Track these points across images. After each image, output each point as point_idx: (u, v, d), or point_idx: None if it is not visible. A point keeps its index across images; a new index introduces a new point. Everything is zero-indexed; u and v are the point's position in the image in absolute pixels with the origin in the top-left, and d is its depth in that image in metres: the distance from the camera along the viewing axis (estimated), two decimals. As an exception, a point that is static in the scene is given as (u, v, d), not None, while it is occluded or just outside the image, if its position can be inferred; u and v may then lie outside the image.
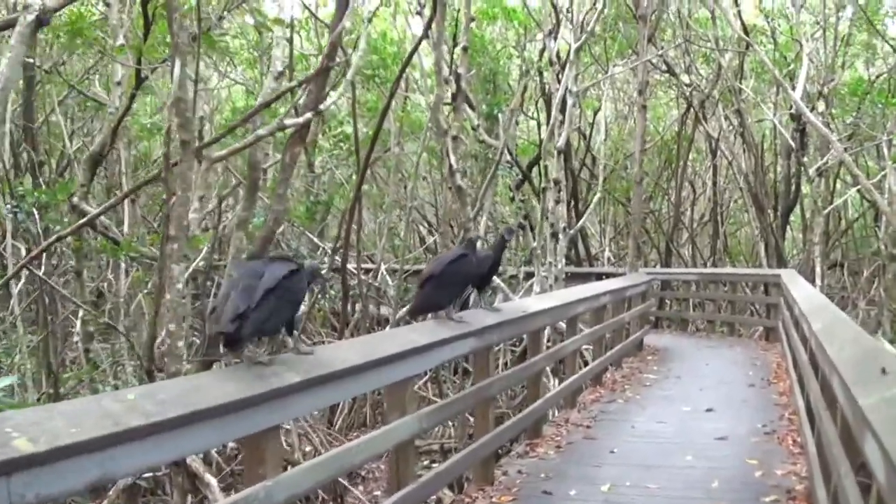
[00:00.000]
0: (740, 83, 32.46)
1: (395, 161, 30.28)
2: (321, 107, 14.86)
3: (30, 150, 24.06)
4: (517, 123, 34.07)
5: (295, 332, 6.95)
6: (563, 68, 24.17)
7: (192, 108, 13.04)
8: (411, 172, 30.44)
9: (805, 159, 30.88)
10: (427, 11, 20.49)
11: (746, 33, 30.35)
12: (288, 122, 14.36)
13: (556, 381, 18.78)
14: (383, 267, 27.08)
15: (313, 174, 28.57)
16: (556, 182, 23.15)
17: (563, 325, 15.75)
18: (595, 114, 34.24)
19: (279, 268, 6.36)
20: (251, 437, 5.82)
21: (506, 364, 22.47)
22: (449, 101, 21.31)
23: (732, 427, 12.98)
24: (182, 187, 12.39)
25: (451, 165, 18.38)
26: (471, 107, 29.06)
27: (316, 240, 27.53)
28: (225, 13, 20.01)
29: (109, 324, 18.68)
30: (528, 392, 13.64)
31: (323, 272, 7.88)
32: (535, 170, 30.90)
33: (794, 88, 24.39)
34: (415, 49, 21.00)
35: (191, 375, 7.20)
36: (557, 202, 23.25)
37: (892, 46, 27.97)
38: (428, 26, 19.31)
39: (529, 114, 36.10)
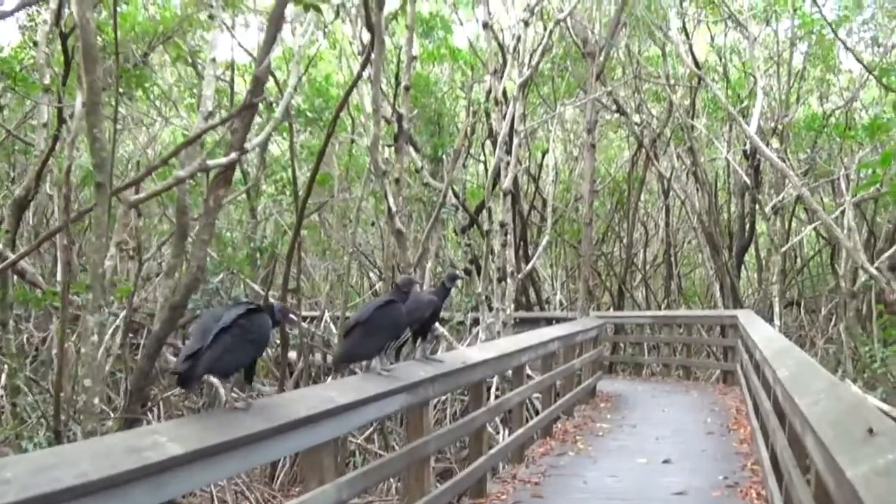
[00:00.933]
0: (692, 120, 31.83)
1: (342, 206, 29.53)
2: (247, 146, 13.98)
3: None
4: (464, 166, 33.29)
5: (254, 381, 6.94)
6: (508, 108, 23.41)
7: (106, 148, 12.12)
8: (353, 217, 29.55)
9: (760, 197, 30.35)
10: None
11: (698, 67, 29.71)
12: (210, 163, 13.54)
13: (507, 432, 17.95)
14: (327, 314, 26.18)
15: (255, 220, 27.78)
16: (503, 225, 22.41)
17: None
18: (543, 155, 33.41)
19: (237, 309, 6.31)
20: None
21: (454, 415, 21.47)
22: (391, 142, 20.52)
23: (691, 480, 12.12)
24: (97, 232, 11.57)
25: (389, 208, 17.54)
26: (415, 148, 28.36)
27: (258, 288, 26.58)
28: (150, 51, 19.12)
29: (30, 377, 17.68)
30: (469, 449, 12.70)
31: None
32: (483, 213, 30.11)
33: (748, 124, 23.66)
34: (351, 88, 20.19)
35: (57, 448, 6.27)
36: (504, 245, 22.49)
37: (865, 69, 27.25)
38: (365, 63, 18.52)
39: (478, 156, 35.26)
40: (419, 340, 9.94)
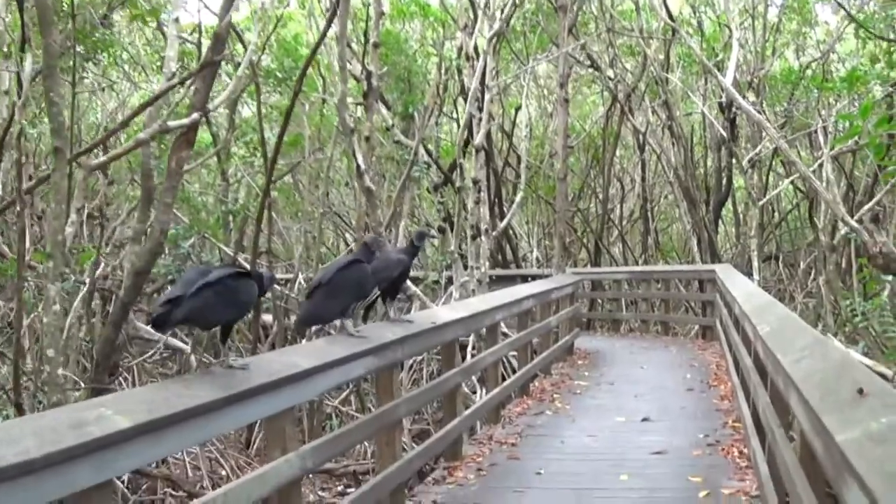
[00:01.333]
0: (667, 73, 31.45)
1: (315, 166, 29.14)
2: (209, 106, 13.61)
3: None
4: (437, 124, 32.96)
5: (228, 343, 6.86)
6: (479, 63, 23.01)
7: (63, 113, 11.74)
8: (324, 177, 29.18)
9: (736, 150, 30.17)
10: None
11: (672, 20, 29.31)
12: (171, 123, 13.18)
13: (484, 392, 17.69)
14: (301, 276, 25.79)
15: (226, 183, 27.40)
16: (476, 182, 22.04)
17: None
18: (516, 111, 32.98)
19: (226, 270, 6.41)
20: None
21: (431, 375, 21.09)
22: (361, 100, 20.13)
23: (671, 439, 11.87)
24: (56, 199, 11.24)
25: (358, 166, 17.14)
26: (386, 106, 28.00)
27: (230, 251, 26.21)
28: (109, 13, 18.64)
29: (-1, 350, 17.32)
30: (444, 411, 12.40)
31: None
32: (457, 171, 29.76)
33: (723, 77, 23.33)
34: (317, 45, 19.81)
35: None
36: (477, 203, 22.13)
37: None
38: (330, 20, 18.14)
39: (451, 114, 34.78)
40: (388, 300, 9.64)
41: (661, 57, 32.27)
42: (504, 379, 15.55)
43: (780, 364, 6.26)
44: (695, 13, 32.70)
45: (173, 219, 25.51)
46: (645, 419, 13.20)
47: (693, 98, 32.06)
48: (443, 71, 29.14)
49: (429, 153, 28.83)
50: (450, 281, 23.52)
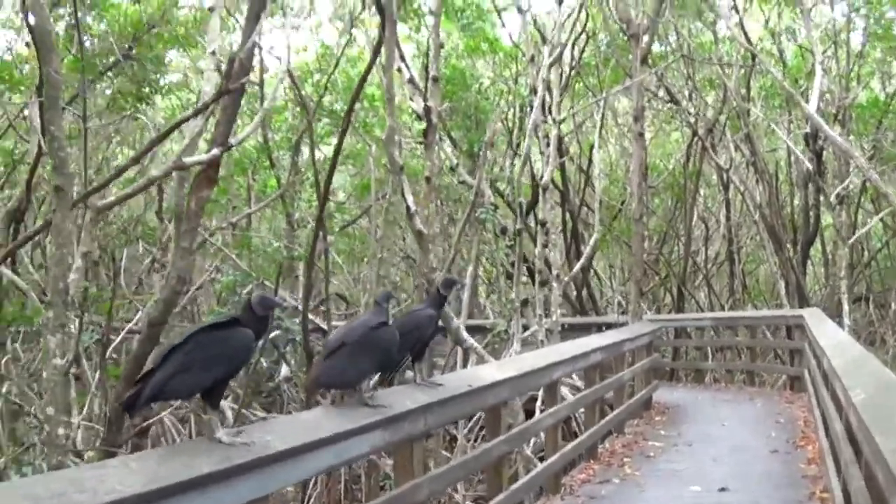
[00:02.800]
0: (748, 104, 29.84)
1: (390, 209, 28.09)
2: (231, 141, 12.34)
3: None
4: (512, 164, 31.59)
5: (220, 410, 5.83)
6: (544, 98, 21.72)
7: (65, 148, 10.54)
8: (382, 221, 28.02)
9: (823, 185, 28.59)
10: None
11: (751, 44, 27.80)
12: (188, 160, 11.93)
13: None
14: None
15: (290, 228, 26.41)
16: (543, 224, 20.70)
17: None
18: (591, 149, 31.47)
19: (200, 324, 5.86)
20: None
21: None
22: (421, 138, 18.91)
23: (753, 515, 10.35)
24: (58, 242, 10.03)
25: (408, 207, 15.79)
26: (453, 144, 26.74)
27: (289, 299, 25.06)
28: (133, 44, 17.55)
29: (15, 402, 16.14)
30: (488, 485, 10.86)
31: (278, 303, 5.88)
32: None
33: (807, 104, 21.82)
34: (364, 76, 18.57)
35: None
36: (546, 246, 20.74)
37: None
38: (377, 50, 16.84)
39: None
40: (415, 362, 8.37)
41: (742, 90, 30.67)
42: (574, 436, 14.11)
43: (879, 450, 4.85)
44: (774, 39, 30.97)
45: (232, 265, 24.64)
46: (722, 489, 11.63)
47: (777, 130, 30.40)
48: (510, 106, 27.92)
49: (500, 193, 27.48)
50: (524, 329, 22.14)
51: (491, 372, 9.99)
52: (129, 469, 4.74)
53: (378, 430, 7.03)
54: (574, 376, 15.79)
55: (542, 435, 13.63)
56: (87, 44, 16.72)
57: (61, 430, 10.02)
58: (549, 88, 22.36)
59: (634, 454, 14.56)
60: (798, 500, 10.82)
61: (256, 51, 13.34)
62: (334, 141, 29.77)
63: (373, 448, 7.25)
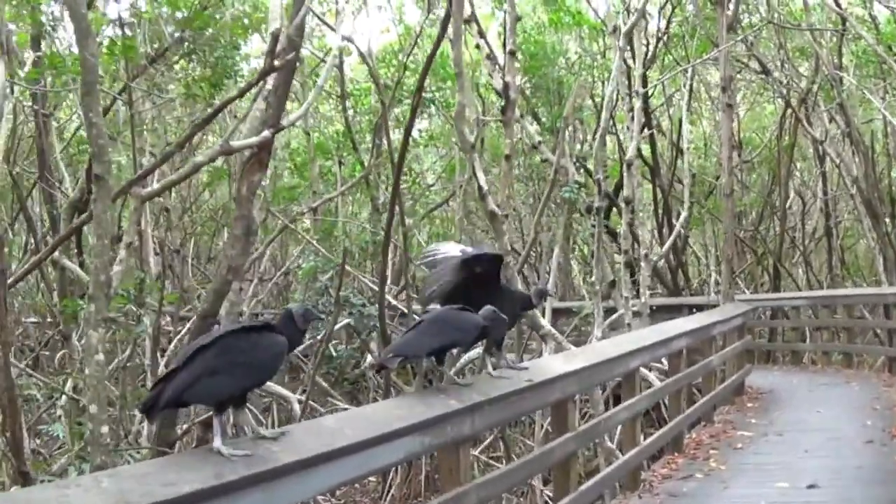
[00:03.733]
0: (841, 72, 28.72)
1: (461, 190, 27.49)
2: (284, 123, 11.81)
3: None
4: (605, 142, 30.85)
5: (246, 410, 5.51)
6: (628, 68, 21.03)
7: (104, 136, 10.02)
8: (460, 202, 27.45)
9: None
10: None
11: (841, 8, 26.81)
12: (235, 144, 11.37)
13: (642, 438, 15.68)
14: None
15: (376, 212, 25.94)
16: (628, 201, 19.93)
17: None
18: (680, 122, 30.51)
19: (233, 325, 5.65)
20: None
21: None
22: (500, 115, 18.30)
23: (842, 517, 9.62)
24: (98, 233, 9.52)
25: (479, 187, 15.11)
26: (537, 121, 26.01)
27: (371, 284, 24.57)
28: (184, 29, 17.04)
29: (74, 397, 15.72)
30: (554, 485, 10.16)
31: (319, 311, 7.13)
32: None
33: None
34: (433, 52, 17.87)
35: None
36: (631, 224, 20.00)
37: None
38: (445, 23, 16.19)
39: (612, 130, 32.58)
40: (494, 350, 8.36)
41: (834, 59, 29.55)
42: (661, 425, 13.39)
43: None
44: (866, 5, 29.74)
45: (313, 251, 24.19)
46: (811, 486, 10.86)
47: (872, 99, 29.30)
48: (597, 81, 27.19)
49: (587, 171, 26.75)
50: (611, 312, 21.38)
51: (557, 364, 9.32)
52: (98, 489, 4.32)
53: (414, 435, 6.43)
54: (664, 360, 15.04)
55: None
56: (140, 27, 16.21)
57: (104, 429, 9.52)
58: (632, 58, 21.66)
59: (722, 445, 13.81)
60: (892, 499, 10.04)
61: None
62: (420, 123, 29.45)
63: (409, 454, 6.65)
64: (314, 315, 5.81)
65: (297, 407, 15.91)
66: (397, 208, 19.24)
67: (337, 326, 20.92)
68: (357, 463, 5.87)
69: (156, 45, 17.40)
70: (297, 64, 13.43)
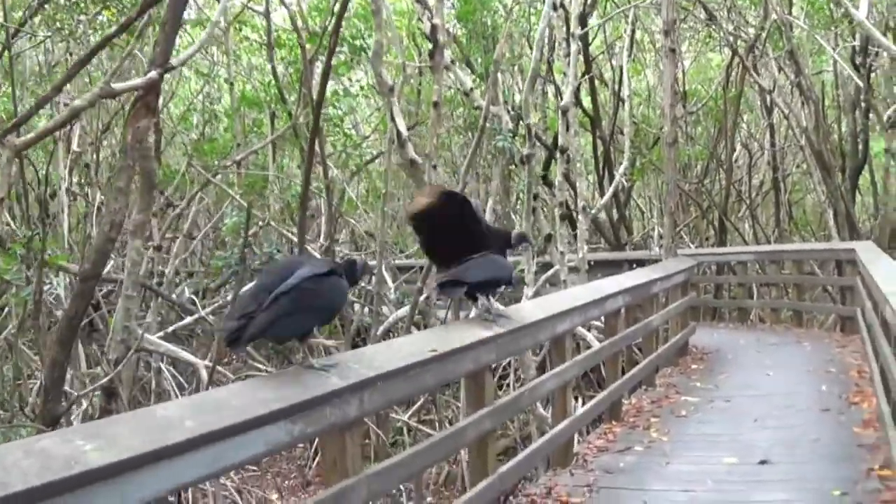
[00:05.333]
0: (790, 14, 27.65)
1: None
2: (172, 62, 10.50)
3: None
4: (544, 92, 29.57)
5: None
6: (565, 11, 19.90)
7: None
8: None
9: (875, 104, 27.22)
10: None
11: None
12: (117, 86, 10.16)
13: (580, 403, 14.74)
14: (384, 265, 22.73)
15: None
16: (563, 150, 18.80)
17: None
18: (621, 70, 29.34)
19: (306, 270, 5.86)
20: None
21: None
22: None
23: (795, 498, 8.45)
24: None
25: (398, 133, 13.88)
26: (470, 69, 24.83)
27: (294, 239, 23.44)
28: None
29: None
30: (470, 467, 8.92)
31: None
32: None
33: (856, 9, 19.77)
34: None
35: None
36: (567, 176, 18.85)
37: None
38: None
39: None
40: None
41: (783, 6, 28.49)
42: (584, 400, 12.24)
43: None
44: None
45: (237, 206, 22.99)
46: (763, 462, 9.70)
47: (823, 44, 28.24)
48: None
49: (519, 118, 25.73)
50: (543, 268, 20.30)
51: (472, 329, 8.06)
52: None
53: (280, 423, 5.22)
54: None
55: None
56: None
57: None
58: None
59: (664, 412, 12.74)
60: (853, 478, 8.85)
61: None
62: (356, 74, 28.19)
63: (273, 446, 5.34)
64: (370, 269, 7.06)
65: (204, 374, 14.70)
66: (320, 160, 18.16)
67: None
68: (200, 461, 4.67)
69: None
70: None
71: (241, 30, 29.02)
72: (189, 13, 24.32)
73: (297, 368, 5.98)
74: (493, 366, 9.21)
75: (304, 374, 5.79)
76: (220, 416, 4.79)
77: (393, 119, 14.04)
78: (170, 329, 19.55)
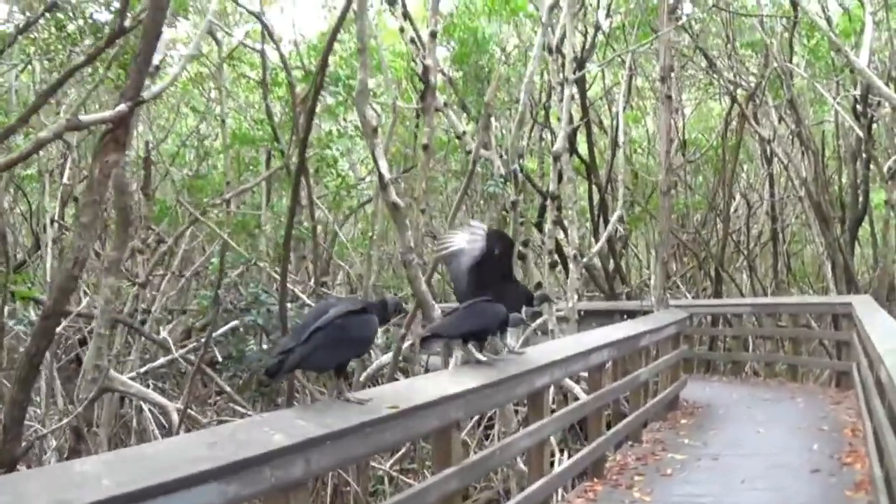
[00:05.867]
0: (790, 63, 27.32)
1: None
2: (144, 95, 10.13)
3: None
4: (541, 138, 29.33)
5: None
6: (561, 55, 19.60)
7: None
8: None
9: (875, 155, 26.86)
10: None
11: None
12: (85, 118, 9.81)
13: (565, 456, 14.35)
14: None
15: (299, 205, 24.35)
16: (553, 197, 18.47)
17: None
18: (617, 116, 29.07)
19: (341, 307, 6.40)
20: None
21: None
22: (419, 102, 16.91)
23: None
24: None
25: (381, 175, 13.38)
26: (465, 111, 24.55)
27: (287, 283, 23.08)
28: None
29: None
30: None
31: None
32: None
33: (857, 58, 19.46)
34: (336, 28, 16.18)
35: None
36: (557, 223, 18.53)
37: None
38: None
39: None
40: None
41: (785, 54, 28.21)
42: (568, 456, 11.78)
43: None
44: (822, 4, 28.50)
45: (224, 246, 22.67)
46: (748, 528, 9.25)
47: (823, 92, 27.93)
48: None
49: (520, 165, 25.43)
50: (534, 316, 19.92)
51: (439, 384, 7.60)
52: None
53: (211, 483, 4.75)
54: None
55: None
56: None
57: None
58: (562, 42, 20.26)
59: (649, 470, 12.21)
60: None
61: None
62: (351, 115, 27.85)
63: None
64: (402, 307, 7.57)
65: (174, 416, 14.30)
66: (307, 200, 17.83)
67: (221, 330, 19.47)
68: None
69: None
70: (170, 27, 11.74)
71: (234, 67, 28.83)
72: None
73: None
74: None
75: (249, 428, 5.46)
76: (141, 475, 4.37)
77: (376, 161, 13.60)
78: (142, 370, 19.17)
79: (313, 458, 5.53)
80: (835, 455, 12.47)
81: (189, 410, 15.60)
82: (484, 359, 8.46)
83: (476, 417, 18.38)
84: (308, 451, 5.48)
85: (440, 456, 7.63)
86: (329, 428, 5.68)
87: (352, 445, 6.00)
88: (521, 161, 23.83)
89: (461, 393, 7.50)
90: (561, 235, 21.90)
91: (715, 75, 30.26)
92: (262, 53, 25.12)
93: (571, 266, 19.01)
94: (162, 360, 19.81)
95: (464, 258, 8.66)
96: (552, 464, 14.90)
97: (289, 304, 20.28)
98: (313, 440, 5.51)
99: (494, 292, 8.37)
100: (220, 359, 19.82)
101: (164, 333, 21.97)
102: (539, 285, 19.65)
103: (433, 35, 17.10)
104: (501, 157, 20.76)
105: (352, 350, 6.66)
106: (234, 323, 19.95)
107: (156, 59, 12.66)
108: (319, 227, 28.27)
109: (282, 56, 23.13)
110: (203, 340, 18.06)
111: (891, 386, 7.09)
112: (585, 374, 14.89)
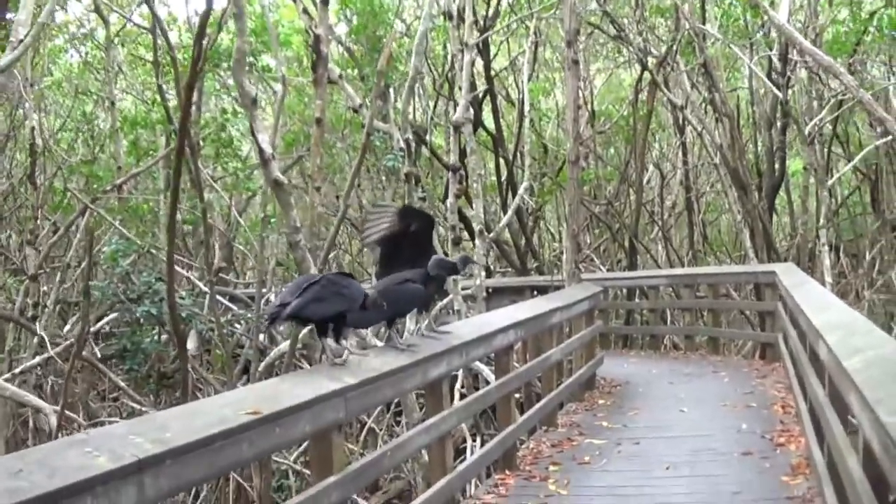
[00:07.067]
0: (703, 24, 26.51)
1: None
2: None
3: None
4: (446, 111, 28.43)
5: (342, 341, 7.22)
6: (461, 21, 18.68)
7: None
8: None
9: (795, 117, 26.59)
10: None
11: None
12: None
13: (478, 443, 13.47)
14: (273, 292, 21.27)
15: (196, 189, 23.37)
16: (454, 170, 17.59)
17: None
18: (522, 88, 28.31)
19: (333, 272, 8.26)
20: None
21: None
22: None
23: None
24: None
25: (261, 150, 12.23)
26: (363, 81, 23.66)
27: (183, 271, 22.10)
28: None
29: None
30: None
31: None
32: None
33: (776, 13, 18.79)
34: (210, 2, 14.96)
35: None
36: (458, 196, 17.64)
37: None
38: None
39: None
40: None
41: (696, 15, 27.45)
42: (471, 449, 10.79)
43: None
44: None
45: (116, 234, 21.68)
46: (675, 522, 8.27)
47: (738, 53, 27.26)
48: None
49: (421, 139, 24.40)
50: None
51: (316, 382, 6.49)
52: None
53: None
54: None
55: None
56: None
57: None
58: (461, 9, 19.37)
59: (565, 458, 11.26)
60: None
61: None
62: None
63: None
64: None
65: (52, 419, 13.20)
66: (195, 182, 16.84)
67: (105, 321, 18.42)
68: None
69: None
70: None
71: (127, 48, 27.91)
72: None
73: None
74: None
75: (60, 455, 4.25)
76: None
77: (254, 134, 12.44)
78: (17, 370, 17.99)
79: (148, 483, 4.40)
80: (766, 435, 11.53)
81: (66, 412, 14.52)
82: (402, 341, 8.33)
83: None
84: (141, 474, 4.36)
85: (318, 463, 6.55)
86: (168, 445, 4.56)
87: (199, 463, 4.86)
88: (417, 131, 23.00)
89: (339, 391, 6.38)
90: (472, 212, 21.05)
91: (624, 43, 29.41)
92: (153, 32, 24.02)
93: (478, 241, 18.15)
94: (38, 360, 18.65)
95: (377, 238, 8.55)
96: (463, 450, 13.94)
97: (184, 293, 19.36)
98: (148, 461, 4.40)
99: (414, 268, 8.21)
100: (100, 354, 18.96)
101: (67, 327, 21.15)
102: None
103: (325, 3, 16.12)
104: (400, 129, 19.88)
105: (341, 303, 6.86)
106: (113, 315, 19.04)
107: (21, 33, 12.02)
108: (219, 212, 27.26)
109: (165, 34, 21.99)
110: (77, 336, 17.00)
111: (833, 364, 6.11)
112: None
